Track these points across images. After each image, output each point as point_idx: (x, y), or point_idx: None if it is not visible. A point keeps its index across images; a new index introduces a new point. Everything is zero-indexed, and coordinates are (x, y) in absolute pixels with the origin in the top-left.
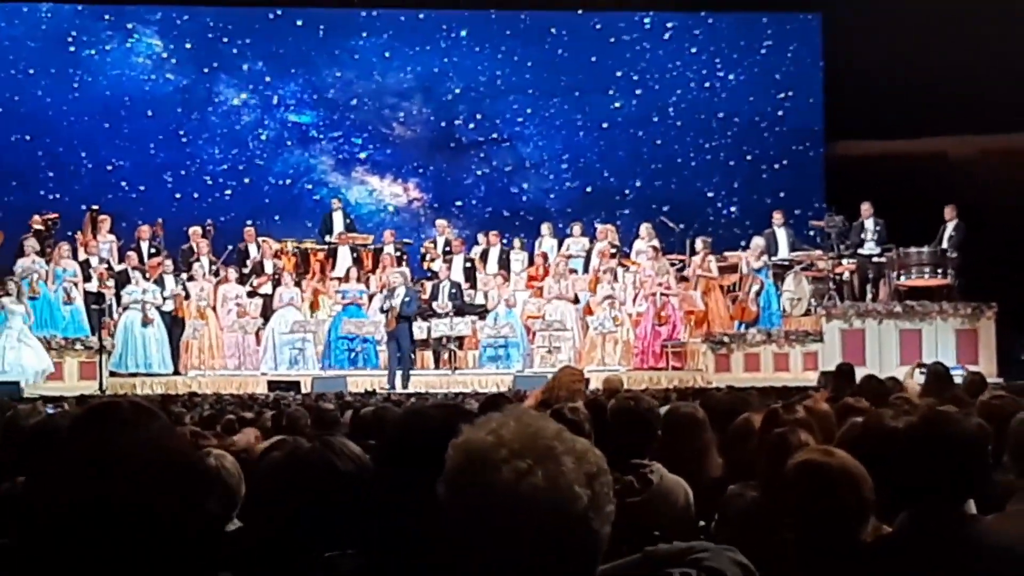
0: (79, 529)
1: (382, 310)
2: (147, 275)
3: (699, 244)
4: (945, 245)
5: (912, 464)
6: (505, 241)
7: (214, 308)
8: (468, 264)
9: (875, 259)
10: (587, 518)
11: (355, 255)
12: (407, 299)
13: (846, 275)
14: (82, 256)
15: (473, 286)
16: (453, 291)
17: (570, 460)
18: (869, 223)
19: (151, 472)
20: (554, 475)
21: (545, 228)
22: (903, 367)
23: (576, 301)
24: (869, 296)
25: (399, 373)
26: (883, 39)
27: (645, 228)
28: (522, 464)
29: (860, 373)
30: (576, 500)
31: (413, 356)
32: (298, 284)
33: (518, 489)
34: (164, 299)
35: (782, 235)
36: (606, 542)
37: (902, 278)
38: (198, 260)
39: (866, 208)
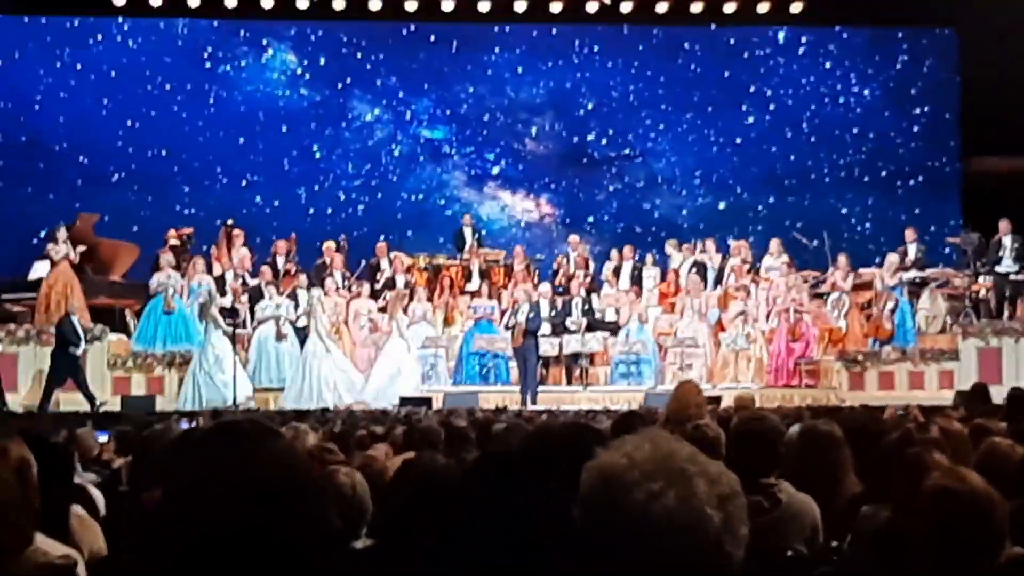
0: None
1: (507, 327)
2: (281, 290)
3: (842, 260)
4: None
5: None
6: (637, 257)
7: (346, 323)
8: (589, 279)
9: (1012, 277)
10: (720, 540)
11: (486, 270)
12: (531, 315)
13: (983, 293)
14: (217, 271)
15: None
16: (585, 307)
17: (703, 482)
18: (1007, 240)
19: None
20: (686, 496)
21: (669, 246)
22: None
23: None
24: (1006, 314)
25: (522, 389)
26: (1020, 53)
27: (775, 244)
28: (654, 486)
29: (996, 392)
30: (708, 521)
31: (545, 372)
32: (430, 299)
33: (650, 510)
34: (298, 315)
35: (912, 251)
36: (740, 565)
37: None
38: (331, 275)
39: (1004, 225)
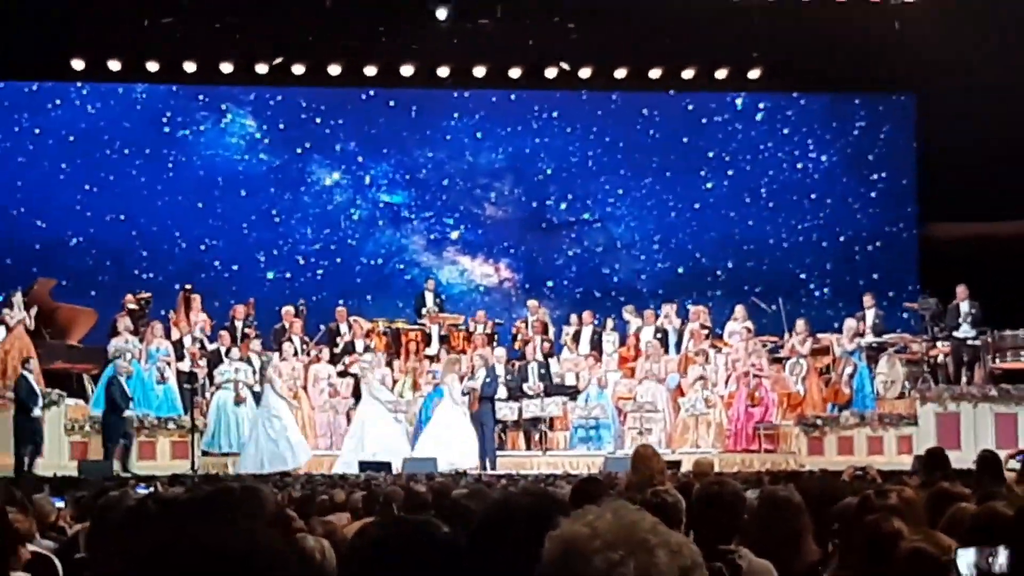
0: None
1: (463, 392)
2: (240, 355)
3: (800, 325)
4: None
5: None
6: (597, 321)
7: (305, 388)
8: (547, 344)
9: (970, 342)
10: None
11: (446, 335)
12: (487, 380)
13: (940, 358)
14: (175, 335)
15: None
16: (542, 371)
17: (664, 553)
18: (964, 305)
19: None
20: (646, 567)
21: (627, 312)
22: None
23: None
24: (964, 379)
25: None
26: (978, 120)
27: (740, 309)
28: (615, 555)
29: (955, 457)
30: None
31: (504, 436)
32: (389, 364)
33: None
34: (255, 380)
35: (870, 316)
36: None
37: (997, 361)
38: (290, 339)
39: (961, 291)
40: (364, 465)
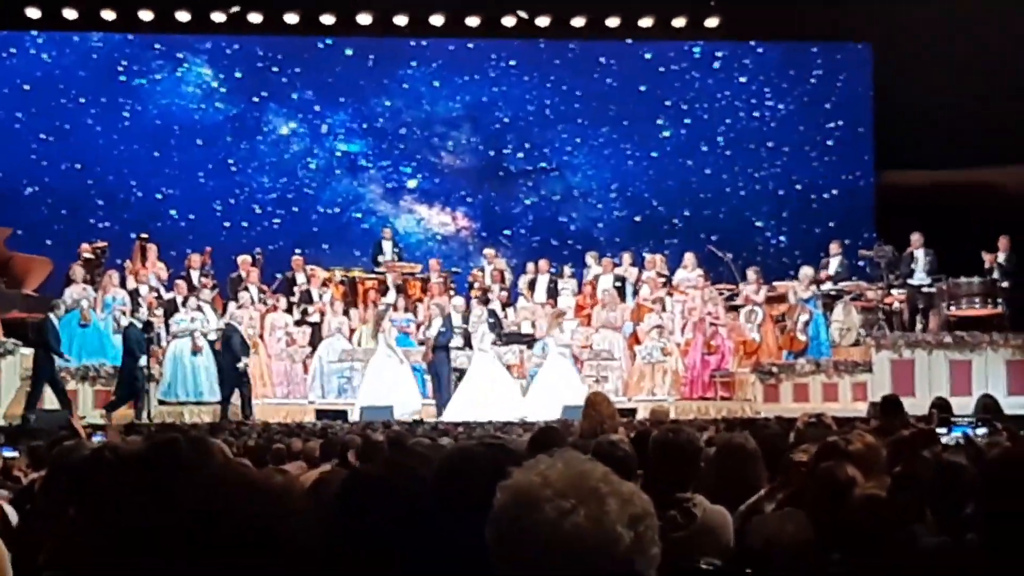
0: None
1: (419, 341)
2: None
3: (751, 274)
4: (996, 275)
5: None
6: (553, 269)
7: (262, 336)
8: (505, 293)
9: (925, 289)
10: (630, 560)
11: (402, 284)
12: (443, 329)
13: (896, 305)
14: (131, 284)
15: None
16: (491, 320)
17: (614, 501)
18: (919, 253)
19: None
20: (597, 515)
21: (590, 257)
22: (954, 398)
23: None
24: (919, 327)
25: (437, 403)
26: (934, 68)
27: (689, 257)
28: (565, 503)
29: (910, 404)
30: (618, 540)
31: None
32: (346, 313)
33: (560, 527)
34: (210, 329)
35: (833, 264)
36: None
37: (952, 308)
38: (246, 289)
39: (916, 238)
40: (320, 413)
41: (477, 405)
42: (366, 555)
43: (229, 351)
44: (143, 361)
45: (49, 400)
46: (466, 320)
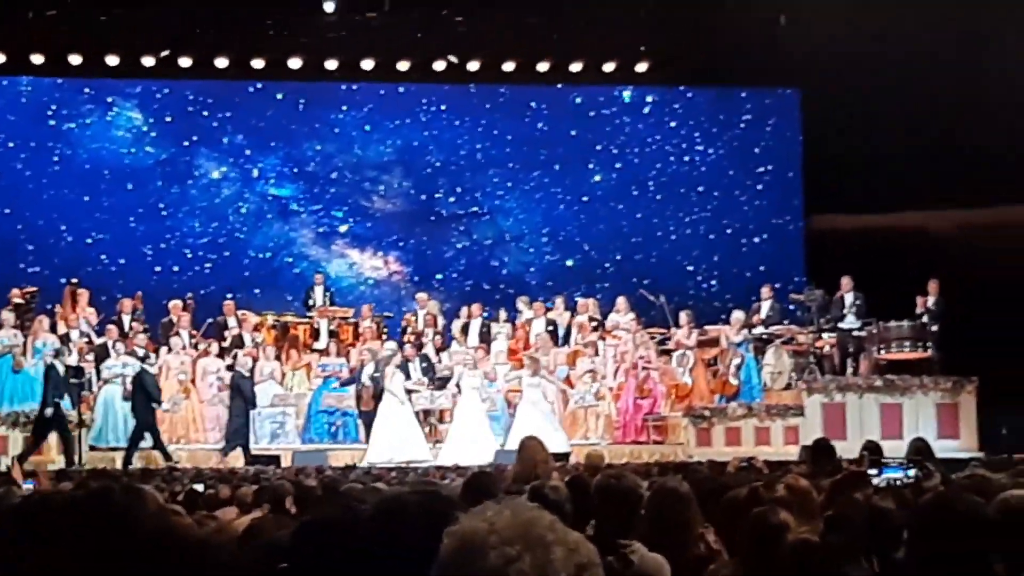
0: None
1: (343, 384)
2: (127, 348)
3: (683, 318)
4: (925, 319)
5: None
6: (486, 314)
7: (193, 382)
8: (439, 337)
9: (855, 333)
10: None
11: (335, 329)
12: (376, 374)
13: (826, 349)
14: (61, 330)
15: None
16: (424, 365)
17: (560, 550)
18: (849, 297)
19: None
20: (542, 563)
21: (522, 302)
22: (885, 441)
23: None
24: (850, 370)
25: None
26: (862, 114)
27: (622, 301)
28: (511, 551)
29: (841, 447)
30: None
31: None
32: (278, 358)
33: (505, 574)
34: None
35: (765, 308)
36: None
37: (882, 352)
38: (177, 334)
39: (846, 282)
40: (252, 459)
41: (392, 449)
42: None
43: (142, 393)
44: (66, 404)
45: None
46: (403, 366)
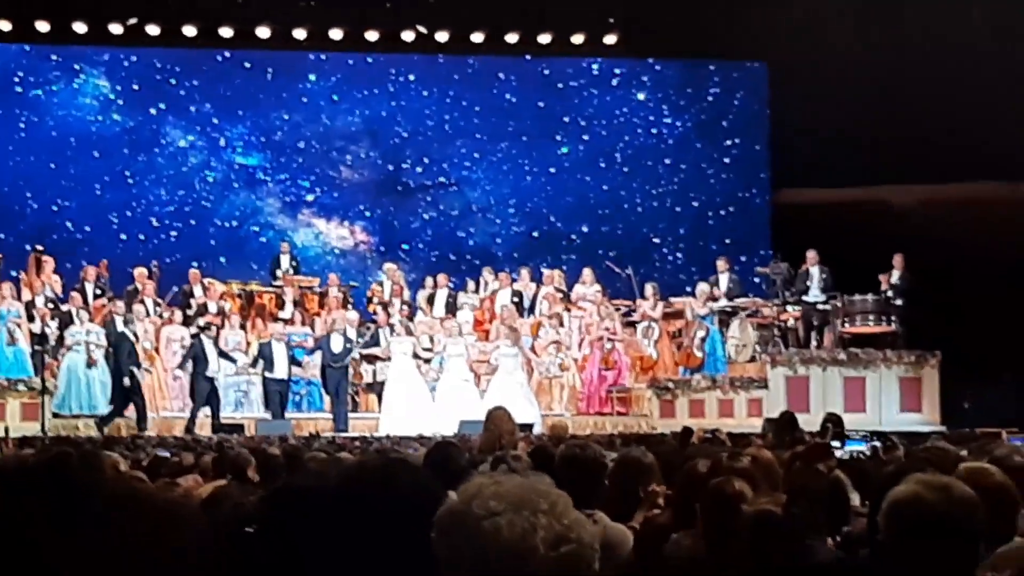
0: None
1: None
2: (91, 316)
3: (649, 290)
4: (889, 293)
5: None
6: (452, 284)
7: (157, 350)
8: (407, 308)
9: (820, 306)
10: (538, 574)
11: (299, 298)
12: (348, 346)
13: (791, 322)
14: (26, 296)
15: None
16: (396, 335)
17: (545, 519)
18: (814, 270)
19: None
20: (519, 524)
21: (487, 272)
22: (848, 414)
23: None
24: (814, 343)
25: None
26: (828, 89)
27: (587, 272)
28: (496, 506)
29: (804, 420)
30: (532, 553)
31: (356, 399)
32: (243, 327)
33: (479, 525)
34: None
35: (724, 281)
36: None
37: (846, 325)
38: (142, 302)
39: (811, 256)
40: (217, 427)
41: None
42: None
43: (118, 361)
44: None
45: None
46: (362, 335)
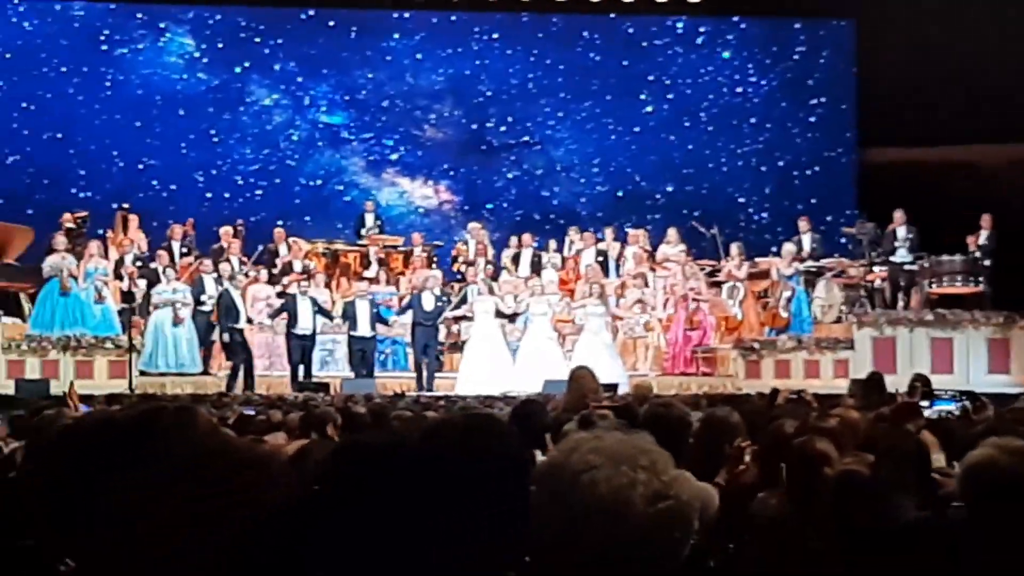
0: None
1: (400, 311)
2: (178, 275)
3: (734, 250)
4: (977, 254)
5: None
6: (537, 243)
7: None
8: (491, 267)
9: (907, 267)
10: (646, 536)
11: (384, 257)
12: (439, 304)
13: (877, 283)
14: (113, 255)
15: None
16: (481, 295)
17: (645, 476)
18: (901, 231)
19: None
20: (616, 479)
21: (572, 232)
22: (935, 376)
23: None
24: (900, 304)
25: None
26: (916, 46)
27: (672, 232)
28: (595, 459)
29: (891, 381)
30: (628, 506)
31: (441, 359)
32: (328, 285)
33: (577, 479)
34: (203, 301)
35: (806, 241)
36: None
37: (934, 286)
38: (227, 260)
39: (898, 216)
40: (301, 385)
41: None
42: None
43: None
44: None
45: (31, 369)
46: (446, 294)
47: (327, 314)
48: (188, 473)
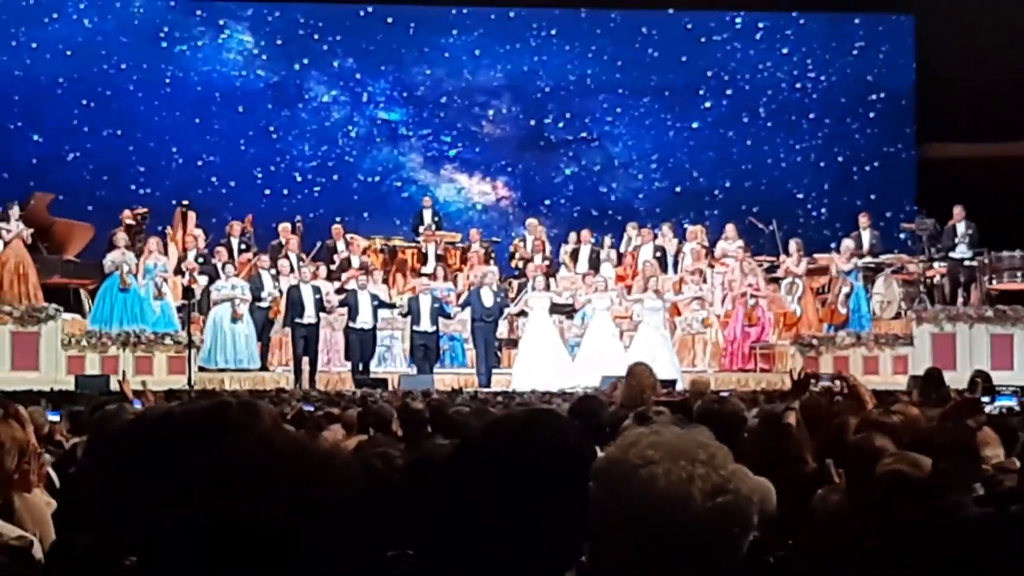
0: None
1: (460, 306)
2: (237, 271)
3: (793, 246)
4: None
5: None
6: (595, 239)
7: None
8: (547, 263)
9: (967, 263)
10: (707, 532)
11: (442, 253)
12: (498, 300)
13: (937, 279)
14: (172, 251)
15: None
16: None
17: (703, 470)
18: (961, 226)
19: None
20: (676, 473)
21: (631, 228)
22: (995, 372)
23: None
24: (960, 300)
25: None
26: (976, 41)
27: (731, 228)
28: (652, 454)
29: (950, 378)
30: (688, 500)
31: (499, 354)
32: (386, 281)
33: (635, 474)
34: (261, 297)
35: (865, 237)
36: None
37: (994, 282)
38: (287, 256)
39: (958, 211)
40: (360, 381)
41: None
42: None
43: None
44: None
45: (91, 365)
46: (503, 290)
47: (391, 306)
48: (254, 470)
